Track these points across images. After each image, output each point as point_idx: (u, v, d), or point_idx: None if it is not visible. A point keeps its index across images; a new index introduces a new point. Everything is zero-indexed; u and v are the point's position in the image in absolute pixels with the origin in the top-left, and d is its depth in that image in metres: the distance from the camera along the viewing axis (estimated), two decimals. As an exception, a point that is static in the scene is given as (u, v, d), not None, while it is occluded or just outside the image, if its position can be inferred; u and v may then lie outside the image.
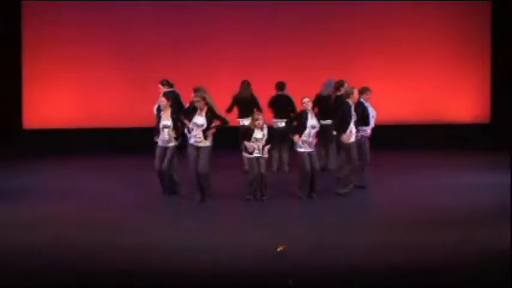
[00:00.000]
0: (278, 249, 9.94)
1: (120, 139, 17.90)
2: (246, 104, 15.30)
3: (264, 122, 13.17)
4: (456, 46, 18.86)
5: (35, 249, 10.32)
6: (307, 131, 12.96)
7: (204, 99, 13.01)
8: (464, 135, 18.41)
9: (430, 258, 9.79)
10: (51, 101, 18.51)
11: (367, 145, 13.82)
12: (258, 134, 12.97)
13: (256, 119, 13.06)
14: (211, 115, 12.96)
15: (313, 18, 18.65)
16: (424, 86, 18.77)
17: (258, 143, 12.97)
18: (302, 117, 13.06)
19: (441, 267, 9.50)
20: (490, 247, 10.20)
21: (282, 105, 15.35)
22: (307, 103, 13.07)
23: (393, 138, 17.64)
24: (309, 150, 13.03)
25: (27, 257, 10.00)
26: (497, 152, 16.85)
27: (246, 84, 15.52)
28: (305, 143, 12.99)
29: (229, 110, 15.30)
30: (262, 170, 13.02)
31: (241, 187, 13.60)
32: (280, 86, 15.60)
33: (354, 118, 13.32)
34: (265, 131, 13.04)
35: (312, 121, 12.99)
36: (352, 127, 13.27)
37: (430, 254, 10.00)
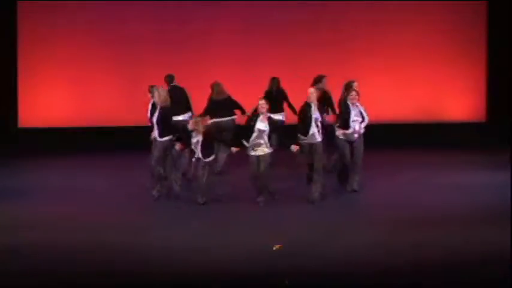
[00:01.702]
0: (274, 248, 9.95)
1: (117, 138, 17.76)
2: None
3: (199, 127, 12.92)
4: (452, 45, 18.77)
5: (32, 249, 10.23)
6: (254, 134, 12.78)
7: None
8: (460, 134, 18.29)
9: (429, 258, 9.73)
10: (47, 100, 18.35)
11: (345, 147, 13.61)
12: (195, 137, 12.91)
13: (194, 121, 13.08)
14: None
15: (310, 17, 18.52)
16: (419, 85, 18.67)
17: (196, 145, 12.90)
18: (253, 120, 12.92)
19: (440, 267, 9.43)
20: (489, 247, 10.15)
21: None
22: (262, 105, 12.89)
23: (389, 137, 17.52)
24: (257, 153, 12.80)
25: (23, 257, 9.92)
26: (493, 151, 16.84)
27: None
28: (252, 146, 12.83)
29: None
30: (200, 172, 12.88)
31: (237, 188, 13.54)
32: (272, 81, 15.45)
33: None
34: (200, 137, 12.86)
35: (260, 125, 12.79)
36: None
37: (429, 253, 9.93)
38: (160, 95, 13.20)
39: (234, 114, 15.01)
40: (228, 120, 14.85)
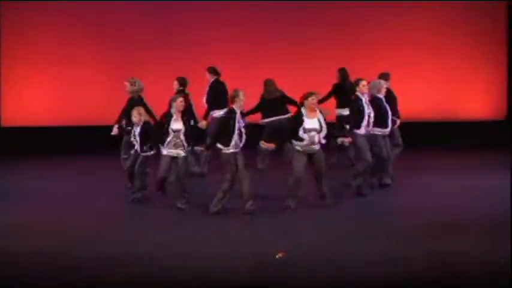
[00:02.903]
0: (277, 256, 9.50)
1: (104, 138, 16.56)
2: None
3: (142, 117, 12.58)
4: (472, 41, 18.24)
5: (9, 256, 9.73)
6: (170, 136, 12.05)
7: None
8: (480, 132, 17.73)
9: (440, 268, 9.20)
10: (30, 98, 17.91)
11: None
12: (136, 129, 12.63)
13: None
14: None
15: (322, 11, 17.95)
16: (438, 82, 18.13)
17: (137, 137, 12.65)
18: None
19: (452, 277, 8.91)
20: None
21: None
22: (180, 102, 12.15)
23: (406, 137, 16.07)
24: (171, 154, 12.12)
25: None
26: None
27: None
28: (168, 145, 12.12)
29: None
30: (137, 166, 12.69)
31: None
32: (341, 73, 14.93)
33: None
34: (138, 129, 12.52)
35: (174, 125, 12.04)
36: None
37: (440, 262, 9.36)
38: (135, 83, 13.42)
39: (288, 112, 14.34)
40: (283, 118, 14.22)
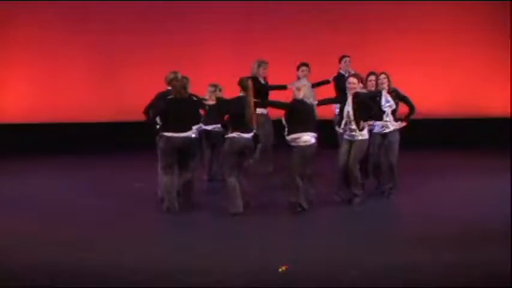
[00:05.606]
0: (280, 270, 8.92)
1: (91, 136, 16.81)
2: None
3: None
4: (491, 31, 17.39)
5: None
6: None
7: None
8: (500, 130, 16.92)
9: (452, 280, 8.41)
10: (5, 92, 17.27)
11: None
12: None
13: None
14: None
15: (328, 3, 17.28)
16: (454, 75, 17.30)
17: None
18: None
19: None
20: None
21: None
22: None
23: (418, 135, 15.57)
24: None
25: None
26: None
27: None
28: None
29: None
30: None
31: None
32: None
33: None
34: None
35: None
36: None
37: (453, 275, 8.56)
38: None
39: None
40: None
